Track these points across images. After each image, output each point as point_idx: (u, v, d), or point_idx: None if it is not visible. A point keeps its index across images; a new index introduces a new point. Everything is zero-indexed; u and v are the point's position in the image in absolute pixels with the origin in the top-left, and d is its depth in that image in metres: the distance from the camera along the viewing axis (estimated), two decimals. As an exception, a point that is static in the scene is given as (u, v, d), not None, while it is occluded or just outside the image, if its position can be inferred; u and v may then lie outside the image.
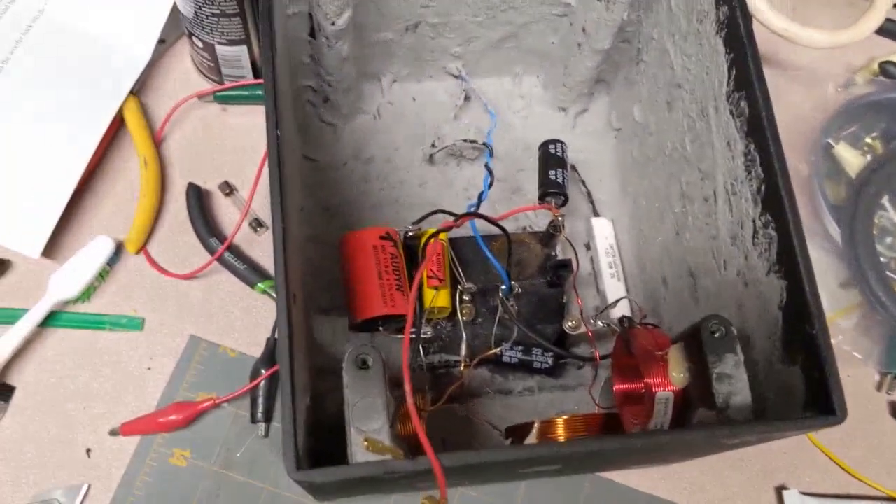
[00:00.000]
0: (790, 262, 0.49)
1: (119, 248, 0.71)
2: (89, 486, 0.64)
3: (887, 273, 0.71)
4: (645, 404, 0.53)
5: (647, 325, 0.58)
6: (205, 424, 0.67)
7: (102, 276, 0.70)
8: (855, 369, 0.72)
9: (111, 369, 0.68)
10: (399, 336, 0.63)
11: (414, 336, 0.63)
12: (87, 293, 0.69)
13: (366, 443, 0.40)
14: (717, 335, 0.50)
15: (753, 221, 0.52)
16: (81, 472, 0.65)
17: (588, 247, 0.72)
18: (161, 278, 0.70)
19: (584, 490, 0.67)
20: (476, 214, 0.58)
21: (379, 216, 0.71)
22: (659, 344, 0.54)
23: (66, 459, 0.65)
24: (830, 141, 0.76)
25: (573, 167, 0.74)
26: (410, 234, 0.63)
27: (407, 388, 0.44)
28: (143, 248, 0.71)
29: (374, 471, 0.43)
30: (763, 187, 0.51)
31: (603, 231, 0.71)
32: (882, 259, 0.72)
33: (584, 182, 0.74)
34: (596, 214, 0.73)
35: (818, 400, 0.47)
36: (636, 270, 0.71)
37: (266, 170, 0.48)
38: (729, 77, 0.54)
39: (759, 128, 0.51)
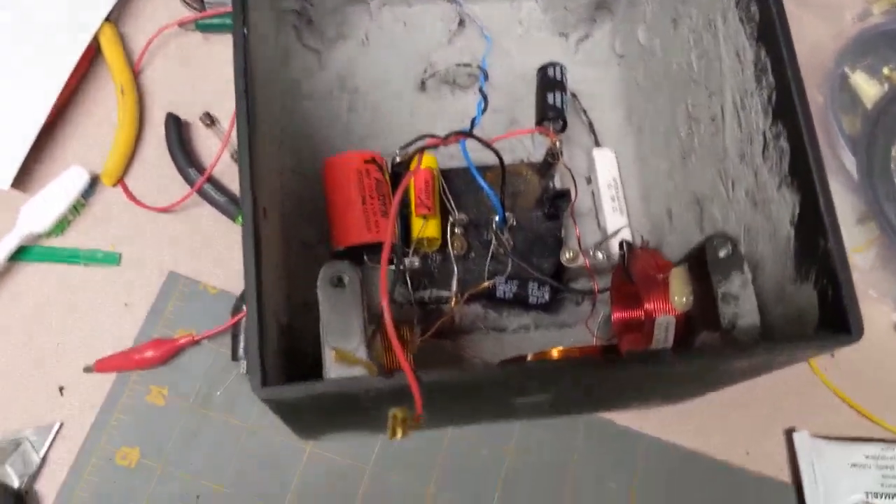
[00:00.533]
0: (803, 171, 0.45)
1: (95, 181, 0.68)
2: (61, 425, 0.61)
3: (905, 208, 0.67)
4: (644, 331, 0.50)
5: (647, 247, 0.54)
6: (183, 362, 0.64)
7: (77, 209, 0.67)
8: (870, 308, 0.68)
9: (86, 305, 0.65)
10: (391, 266, 0.60)
11: (403, 266, 0.59)
12: (60, 227, 0.66)
13: (334, 353, 0.36)
14: (722, 254, 0.46)
15: (763, 134, 0.49)
16: (54, 411, 0.62)
17: (589, 180, 0.68)
18: (139, 211, 0.67)
19: (580, 432, 0.63)
20: (466, 134, 0.54)
21: (366, 148, 0.67)
22: (660, 266, 0.50)
23: (38, 397, 0.62)
24: (846, 70, 0.72)
25: (574, 95, 0.70)
26: (398, 160, 0.60)
27: (386, 309, 0.41)
28: (120, 181, 0.68)
29: (345, 387, 0.39)
30: (774, 95, 0.47)
31: (605, 162, 0.67)
32: (900, 192, 0.68)
33: (585, 111, 0.70)
34: (598, 145, 0.69)
35: (832, 318, 0.43)
36: (640, 205, 0.67)
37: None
38: (738, -20, 0.50)
39: (770, 30, 0.47)
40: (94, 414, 0.62)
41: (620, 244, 0.57)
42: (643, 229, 0.66)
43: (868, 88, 0.71)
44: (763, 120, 0.48)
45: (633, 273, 0.51)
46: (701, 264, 0.47)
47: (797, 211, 0.46)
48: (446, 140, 0.53)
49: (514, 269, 0.61)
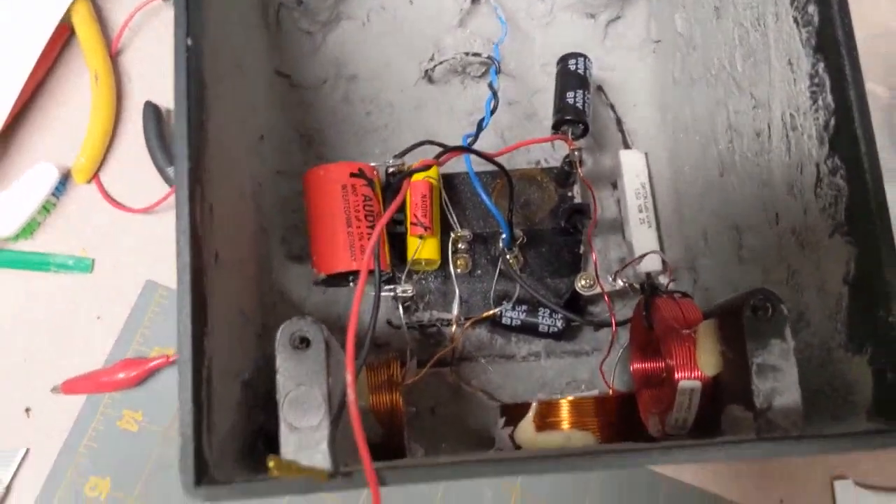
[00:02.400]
0: (863, 224, 0.37)
1: (66, 178, 0.61)
2: (28, 451, 0.57)
3: None
4: (665, 391, 0.43)
5: (675, 292, 0.46)
6: (159, 383, 0.58)
7: (47, 209, 0.61)
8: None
9: (56, 318, 0.59)
10: (384, 293, 0.53)
11: (394, 294, 0.52)
12: (28, 229, 0.60)
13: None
14: (761, 315, 0.39)
15: (817, 166, 0.40)
16: (20, 434, 0.57)
17: (615, 186, 0.60)
18: (115, 212, 0.61)
19: (595, 473, 0.57)
20: (465, 149, 0.47)
21: (363, 145, 0.60)
22: (687, 319, 0.43)
23: (3, 419, 0.57)
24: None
25: (600, 88, 0.62)
26: (392, 169, 0.52)
27: (351, 393, 0.34)
28: (94, 177, 0.62)
29: (292, 490, 0.33)
30: (832, 122, 0.39)
31: (633, 166, 0.59)
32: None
33: (613, 107, 0.62)
34: (626, 146, 0.61)
35: (888, 408, 0.35)
36: (673, 218, 0.59)
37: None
38: (795, -27, 0.41)
39: (831, 42, 0.39)
40: (63, 440, 0.57)
41: (642, 285, 0.49)
42: (675, 247, 0.58)
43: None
44: (818, 148, 0.40)
45: (654, 321, 0.44)
46: (735, 323, 0.39)
47: (853, 268, 0.38)
48: (441, 160, 0.46)
49: (524, 293, 0.54)
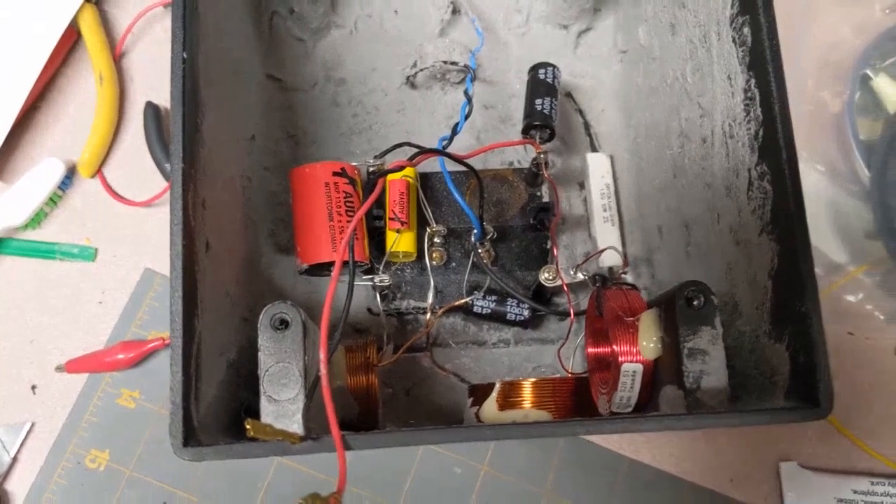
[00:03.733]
0: (785, 224, 0.41)
1: (72, 172, 0.66)
2: (33, 424, 0.61)
3: (921, 226, 0.62)
4: (612, 373, 0.47)
5: (623, 285, 0.51)
6: (156, 364, 0.62)
7: (54, 201, 0.65)
8: (875, 331, 0.64)
9: (61, 303, 0.64)
10: (360, 282, 0.58)
11: (372, 282, 0.57)
12: (36, 219, 0.65)
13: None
14: (694, 304, 0.43)
15: (749, 171, 0.45)
16: (26, 410, 0.62)
17: (582, 185, 0.65)
18: (117, 205, 0.65)
19: (558, 451, 0.61)
20: (438, 152, 0.51)
21: (349, 145, 0.65)
22: (632, 308, 0.47)
23: (10, 396, 0.62)
24: (869, 72, 0.66)
25: (570, 95, 0.66)
26: (372, 169, 0.57)
27: (322, 355, 0.38)
28: (98, 172, 0.66)
29: (267, 451, 0.37)
30: (761, 132, 0.43)
31: (599, 168, 0.64)
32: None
33: (581, 112, 0.66)
34: (594, 149, 0.66)
35: (803, 387, 0.40)
36: (634, 215, 0.63)
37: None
38: (732, -2, 0.46)
39: (761, 61, 0.43)
40: (66, 414, 0.61)
41: (593, 277, 0.54)
42: (637, 243, 0.63)
43: (892, 93, 0.66)
44: (749, 155, 0.45)
45: (604, 311, 0.48)
46: (672, 311, 0.44)
47: (776, 263, 0.42)
48: (415, 161, 0.50)
49: (494, 283, 0.59)
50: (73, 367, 0.61)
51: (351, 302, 0.45)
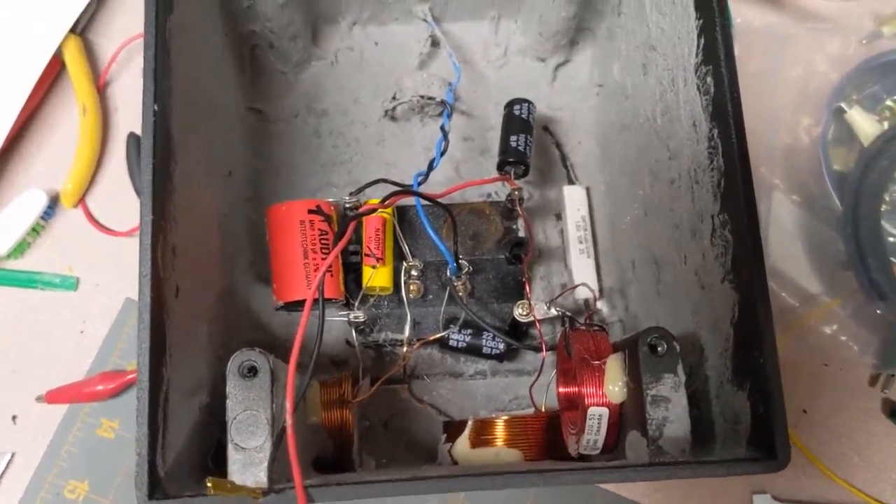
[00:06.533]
0: (744, 275, 0.42)
1: (55, 202, 0.67)
2: (13, 455, 0.62)
3: (893, 259, 0.62)
4: (580, 414, 0.48)
5: (592, 326, 0.51)
6: (135, 395, 0.62)
7: (36, 231, 0.66)
8: (850, 362, 0.65)
9: (43, 332, 0.64)
10: (335, 318, 0.58)
11: (348, 318, 0.57)
12: (19, 249, 0.65)
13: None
14: (658, 350, 0.44)
15: (713, 217, 0.45)
16: (7, 439, 0.62)
17: (559, 216, 0.65)
18: (99, 235, 0.66)
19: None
20: (411, 192, 0.52)
21: (329, 177, 0.65)
22: (598, 351, 0.48)
23: (-8, 426, 0.62)
24: (843, 105, 0.67)
25: (546, 128, 0.67)
26: (348, 205, 0.58)
27: (288, 405, 0.39)
28: (80, 202, 0.67)
29: (233, 505, 0.38)
30: (723, 182, 0.44)
31: (575, 201, 0.64)
32: (891, 239, 0.65)
33: (558, 145, 0.67)
34: (570, 181, 0.66)
35: (762, 437, 0.41)
36: (609, 246, 0.64)
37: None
38: (698, 46, 0.46)
39: (723, 112, 0.44)
40: (45, 445, 0.62)
41: (562, 318, 0.54)
42: (612, 275, 0.63)
43: (865, 125, 0.67)
44: (712, 202, 0.45)
45: (571, 353, 0.49)
46: (635, 357, 0.44)
47: (737, 312, 0.43)
48: (387, 203, 0.51)
49: (470, 317, 0.60)
50: (53, 397, 0.62)
51: (321, 343, 0.46)
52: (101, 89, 0.69)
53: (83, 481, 0.61)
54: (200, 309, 0.49)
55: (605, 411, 0.46)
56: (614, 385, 0.46)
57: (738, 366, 0.43)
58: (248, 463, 0.41)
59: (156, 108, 0.42)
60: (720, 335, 0.45)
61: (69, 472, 0.61)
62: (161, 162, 0.42)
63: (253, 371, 0.43)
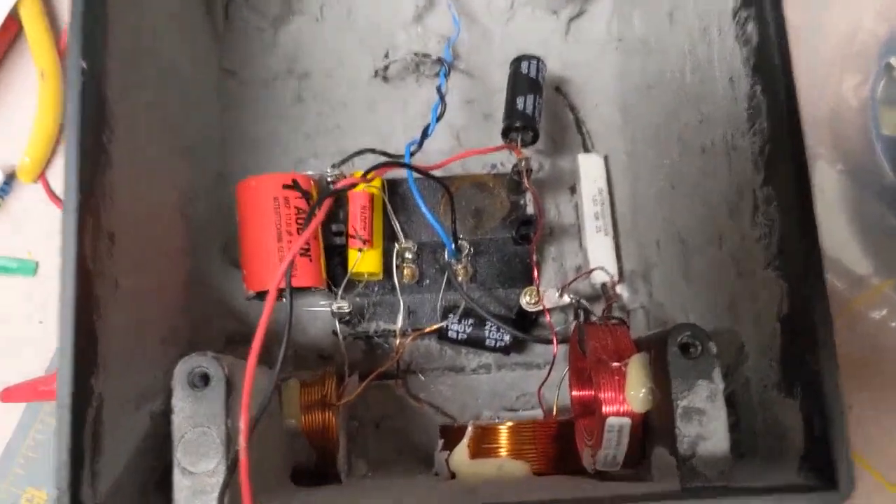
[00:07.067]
0: (795, 261, 0.35)
1: (11, 178, 0.60)
2: (-33, 459, 0.56)
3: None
4: (596, 424, 0.41)
5: (610, 318, 0.44)
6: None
7: (-9, 210, 0.59)
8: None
9: (-3, 322, 0.58)
10: (318, 308, 0.51)
11: (332, 309, 0.51)
12: (-29, 231, 0.59)
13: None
14: (691, 352, 0.36)
15: (754, 192, 0.38)
16: (-40, 441, 0.56)
17: (573, 190, 0.58)
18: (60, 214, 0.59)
19: None
20: (400, 164, 0.45)
21: (313, 147, 0.58)
22: (618, 350, 0.41)
23: (-58, 427, 0.56)
24: (893, 61, 0.59)
25: (559, 89, 0.59)
26: (331, 179, 0.50)
27: (243, 426, 0.32)
28: (40, 177, 0.60)
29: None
30: (767, 148, 0.36)
31: (591, 171, 0.57)
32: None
33: (572, 108, 0.59)
34: (586, 149, 0.59)
35: (818, 458, 0.33)
36: (630, 223, 0.57)
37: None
38: (736, -15, 0.39)
39: (768, 64, 0.36)
40: (1, 448, 0.56)
41: (576, 310, 0.47)
42: (631, 255, 0.56)
43: (922, 83, 0.59)
44: (754, 173, 0.38)
45: (587, 350, 0.42)
46: (663, 359, 0.37)
47: (785, 305, 0.35)
48: (368, 177, 0.43)
49: (470, 306, 0.52)
50: (8, 395, 0.56)
51: (289, 341, 0.39)
52: (62, 53, 0.62)
53: (41, 489, 0.55)
54: (153, 303, 0.42)
55: (625, 422, 0.39)
56: (637, 391, 0.39)
57: (787, 369, 0.36)
58: (197, 490, 0.34)
59: (83, 65, 0.35)
60: (763, 331, 0.38)
61: (26, 479, 0.55)
62: (91, 131, 0.35)
63: (204, 380, 0.36)
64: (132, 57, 0.41)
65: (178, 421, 0.35)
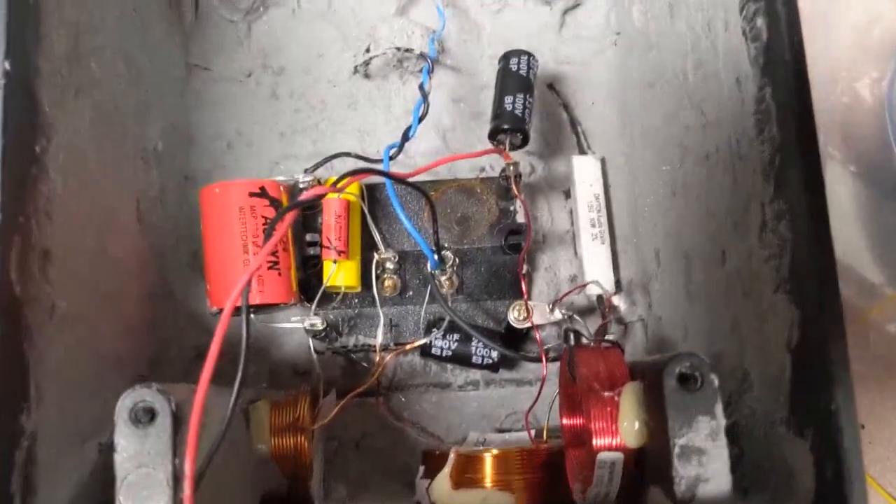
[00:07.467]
0: (808, 286, 0.31)
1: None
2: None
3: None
4: (587, 457, 0.37)
5: (603, 341, 0.40)
6: None
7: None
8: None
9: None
10: (289, 324, 0.48)
11: (305, 326, 0.47)
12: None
13: None
14: (690, 385, 0.33)
15: (763, 206, 0.34)
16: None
17: (568, 194, 0.54)
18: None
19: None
20: (374, 171, 0.41)
21: (290, 147, 0.55)
22: (611, 377, 0.37)
23: None
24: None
25: (551, 86, 0.55)
26: (303, 186, 0.47)
27: (188, 470, 0.29)
28: None
29: None
30: (777, 159, 0.33)
31: (587, 175, 0.53)
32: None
33: (566, 107, 0.55)
34: (582, 151, 0.55)
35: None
36: (628, 231, 0.53)
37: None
38: (743, -24, 0.35)
39: (779, 64, 0.32)
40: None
41: (566, 333, 0.43)
42: (630, 264, 0.53)
43: (943, 79, 0.55)
44: (762, 184, 0.34)
45: (577, 377, 0.38)
46: (659, 390, 0.33)
47: (795, 335, 0.32)
48: (339, 186, 0.40)
49: (456, 322, 0.49)
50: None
51: (247, 366, 0.35)
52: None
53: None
54: (104, 322, 0.39)
55: (618, 457, 0.35)
56: (631, 423, 0.35)
57: (797, 406, 0.32)
58: (140, 539, 0.31)
59: (7, 66, 0.31)
60: (771, 360, 0.34)
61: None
62: (19, 141, 0.31)
63: (149, 415, 0.32)
64: (73, 56, 0.37)
65: (121, 461, 0.32)
